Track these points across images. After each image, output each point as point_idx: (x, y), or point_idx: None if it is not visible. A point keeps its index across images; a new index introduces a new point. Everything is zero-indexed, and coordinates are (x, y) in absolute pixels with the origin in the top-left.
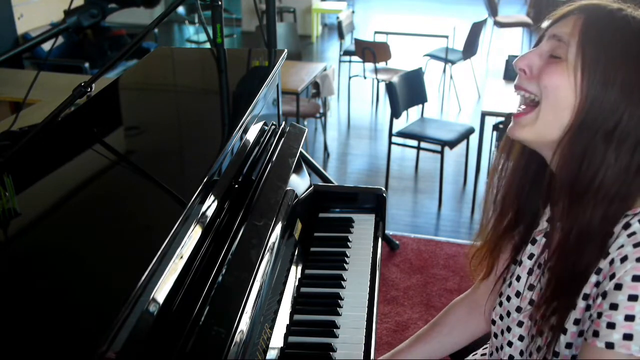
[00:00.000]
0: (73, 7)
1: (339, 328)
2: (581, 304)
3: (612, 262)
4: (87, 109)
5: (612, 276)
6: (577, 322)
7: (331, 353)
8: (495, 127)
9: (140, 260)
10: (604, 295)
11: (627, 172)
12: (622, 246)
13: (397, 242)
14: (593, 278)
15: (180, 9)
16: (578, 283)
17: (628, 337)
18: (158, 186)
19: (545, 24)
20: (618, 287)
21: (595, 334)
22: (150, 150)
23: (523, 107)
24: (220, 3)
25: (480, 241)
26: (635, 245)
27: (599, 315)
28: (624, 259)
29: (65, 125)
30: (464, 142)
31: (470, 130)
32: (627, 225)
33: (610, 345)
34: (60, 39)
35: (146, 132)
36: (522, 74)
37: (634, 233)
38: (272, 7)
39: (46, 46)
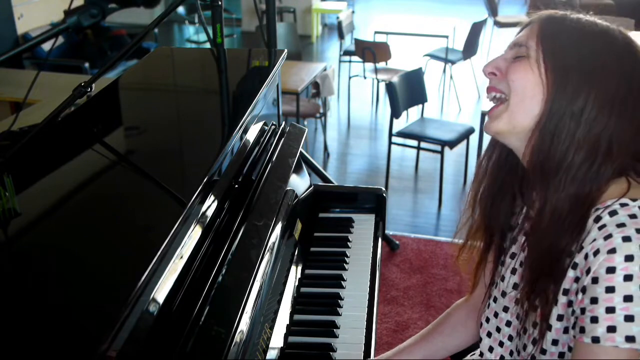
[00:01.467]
0: (73, 7)
1: (339, 328)
2: (562, 299)
3: (586, 256)
4: (87, 109)
5: (588, 270)
6: (560, 318)
7: (331, 353)
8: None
9: (140, 260)
10: (584, 290)
11: (596, 151)
12: (594, 240)
13: (397, 242)
14: (571, 273)
15: (180, 9)
16: (552, 271)
17: (611, 329)
18: (158, 186)
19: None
20: (595, 280)
21: (582, 330)
22: (150, 150)
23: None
24: (220, 3)
25: (462, 239)
26: (606, 238)
27: (582, 311)
28: (596, 252)
29: (65, 125)
30: (464, 142)
31: (470, 130)
32: (597, 219)
33: (596, 340)
34: (60, 39)
35: (146, 132)
36: (492, 77)
37: (604, 226)
38: (272, 7)
39: (46, 46)
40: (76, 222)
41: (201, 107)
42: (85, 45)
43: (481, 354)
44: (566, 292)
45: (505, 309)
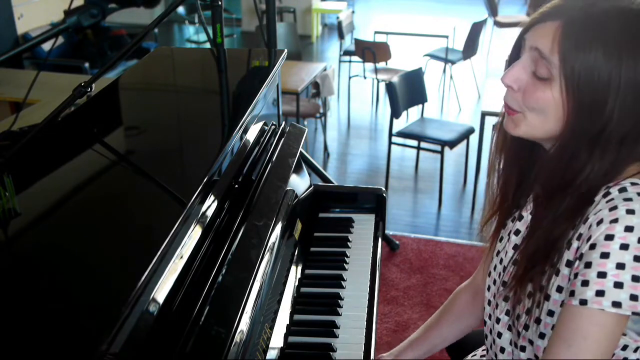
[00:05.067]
0: (73, 7)
1: (339, 328)
2: (564, 270)
3: (590, 226)
4: (87, 109)
5: (589, 239)
6: (559, 289)
7: (331, 353)
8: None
9: (140, 260)
10: (581, 257)
11: (613, 164)
12: (599, 210)
13: (397, 242)
14: (575, 244)
15: (180, 9)
16: (549, 251)
17: (600, 293)
18: (158, 186)
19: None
20: (592, 246)
21: (572, 293)
22: (150, 150)
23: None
24: (220, 3)
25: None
26: (611, 209)
27: (575, 275)
28: (599, 222)
29: (65, 125)
30: (464, 142)
31: (470, 130)
32: (607, 194)
33: (583, 302)
34: (60, 39)
35: (146, 132)
36: (511, 90)
37: (612, 199)
38: (272, 7)
39: (46, 46)
40: (76, 222)
41: (201, 107)
42: (85, 45)
43: (485, 336)
44: (569, 263)
45: (504, 284)
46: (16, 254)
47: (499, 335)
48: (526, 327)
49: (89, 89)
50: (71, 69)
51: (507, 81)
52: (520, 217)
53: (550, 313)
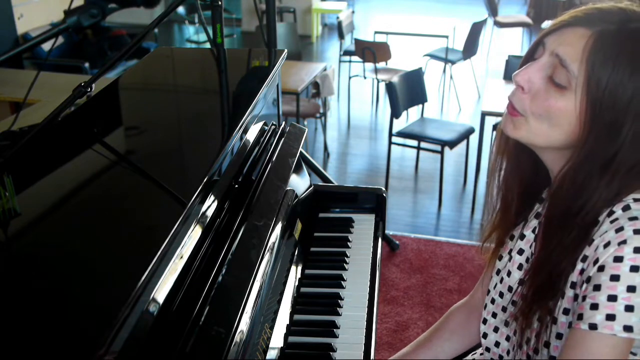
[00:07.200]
0: (73, 7)
1: (339, 328)
2: (569, 292)
3: (596, 248)
4: (87, 109)
5: (596, 261)
6: (566, 311)
7: (331, 353)
8: (495, 127)
9: (140, 260)
10: (589, 279)
11: (618, 193)
12: (605, 232)
13: (397, 242)
14: (579, 265)
15: (180, 9)
16: (557, 278)
17: (611, 317)
18: (158, 186)
19: (546, 23)
20: (601, 269)
21: (580, 317)
22: (150, 150)
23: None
24: (220, 3)
25: (487, 237)
26: (617, 230)
27: (584, 298)
28: (606, 245)
29: (65, 125)
30: (464, 142)
31: (470, 130)
32: (610, 213)
33: (593, 327)
34: (60, 39)
35: (146, 132)
36: (520, 91)
37: (616, 219)
38: (272, 7)
39: (46, 46)
40: (76, 222)
41: (201, 107)
42: (85, 45)
43: (487, 349)
44: (573, 285)
45: (514, 303)
46: (16, 254)
47: (500, 357)
48: (536, 351)
49: (89, 89)
50: (71, 69)
51: (519, 80)
52: (522, 236)
53: (559, 336)
